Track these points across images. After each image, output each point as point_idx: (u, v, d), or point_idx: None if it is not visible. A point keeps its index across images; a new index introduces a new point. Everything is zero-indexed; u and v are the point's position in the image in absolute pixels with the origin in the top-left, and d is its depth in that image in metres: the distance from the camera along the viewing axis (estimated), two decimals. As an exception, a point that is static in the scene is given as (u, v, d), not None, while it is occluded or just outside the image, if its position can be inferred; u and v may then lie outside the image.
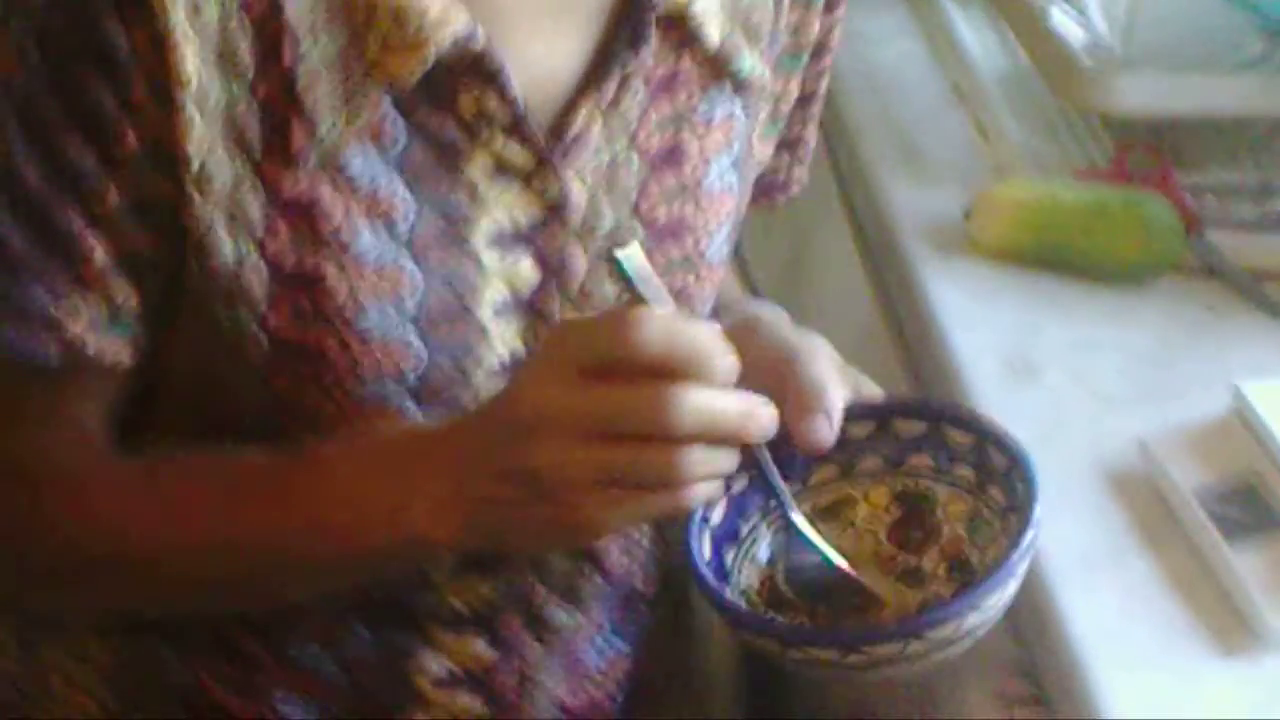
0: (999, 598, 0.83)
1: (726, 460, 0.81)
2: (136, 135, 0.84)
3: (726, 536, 0.91)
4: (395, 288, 0.88)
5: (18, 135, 0.85)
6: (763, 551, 0.92)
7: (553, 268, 0.92)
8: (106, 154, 0.85)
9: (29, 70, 0.84)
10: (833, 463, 0.93)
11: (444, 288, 0.89)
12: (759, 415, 0.81)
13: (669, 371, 0.78)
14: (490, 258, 0.90)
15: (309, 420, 0.89)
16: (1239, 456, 1.04)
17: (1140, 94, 1.31)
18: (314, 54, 0.84)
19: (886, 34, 1.50)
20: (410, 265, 0.88)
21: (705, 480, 0.80)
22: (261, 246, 0.86)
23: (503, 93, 0.87)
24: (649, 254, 0.92)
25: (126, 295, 0.88)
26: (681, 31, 0.93)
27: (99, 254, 0.86)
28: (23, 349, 0.87)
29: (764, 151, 1.04)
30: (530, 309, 0.92)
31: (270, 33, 0.84)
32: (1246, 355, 1.17)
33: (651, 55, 0.92)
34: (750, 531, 0.92)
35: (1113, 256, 1.24)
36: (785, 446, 0.88)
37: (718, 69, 0.95)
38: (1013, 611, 0.84)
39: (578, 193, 0.91)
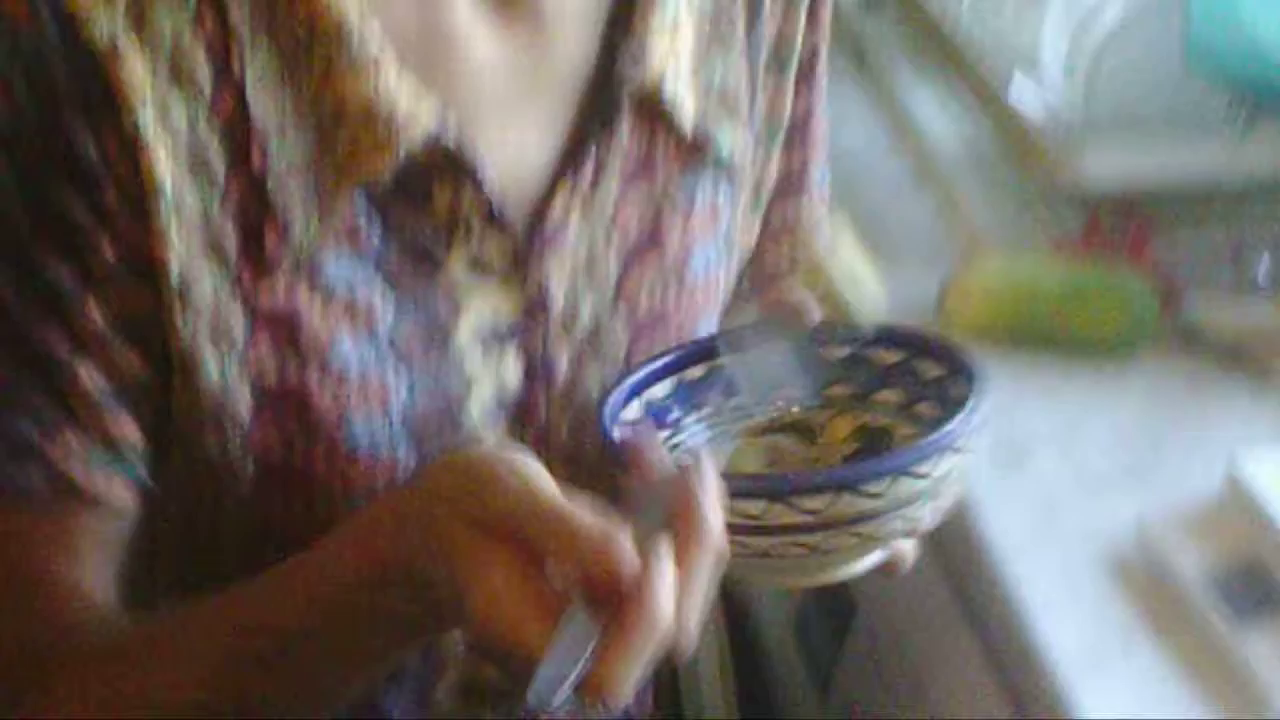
0: (882, 484, 0.78)
1: None
2: (113, 246, 0.82)
3: (657, 411, 0.89)
4: (381, 396, 0.86)
5: None
6: (686, 444, 0.90)
7: (536, 365, 0.90)
8: (84, 268, 0.82)
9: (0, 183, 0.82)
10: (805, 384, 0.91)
11: (430, 393, 0.87)
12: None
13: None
14: (474, 358, 0.88)
15: (295, 540, 0.86)
16: (1239, 533, 1.03)
17: (1106, 165, 1.30)
18: (283, 155, 0.82)
19: (846, 117, 1.49)
20: (394, 371, 0.86)
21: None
22: (244, 361, 0.84)
23: (478, 187, 0.85)
24: (633, 344, 0.91)
25: (122, 427, 0.84)
26: (656, 115, 0.91)
27: (87, 379, 0.83)
28: (13, 483, 0.84)
29: (748, 235, 1.01)
30: (517, 409, 0.90)
31: (239, 134, 0.82)
32: (1235, 423, 1.16)
33: (626, 136, 0.90)
34: (681, 421, 0.90)
35: (1092, 335, 1.23)
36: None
37: (697, 152, 0.93)
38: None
39: (556, 285, 0.89)
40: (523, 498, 0.69)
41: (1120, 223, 1.31)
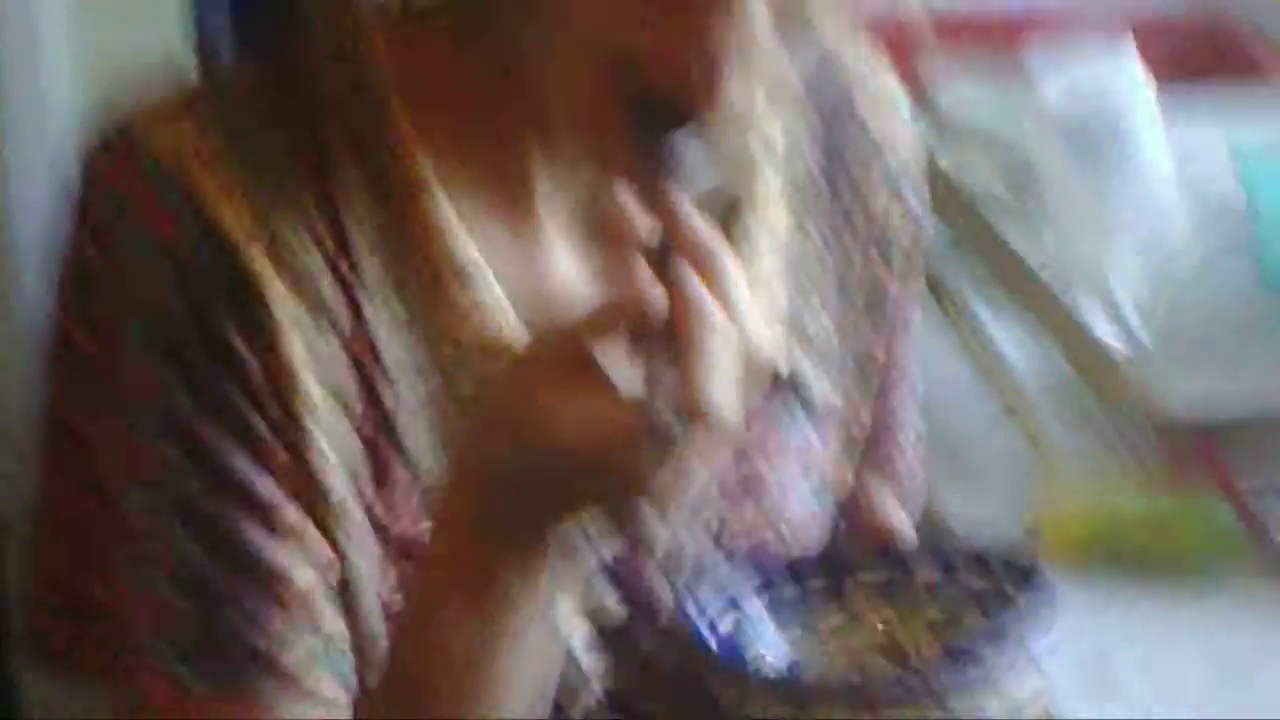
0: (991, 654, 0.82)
1: None
2: (287, 456, 0.84)
3: (750, 625, 0.91)
4: None
5: (176, 453, 0.84)
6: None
7: (639, 603, 0.92)
8: (269, 469, 0.84)
9: (172, 395, 0.84)
10: (891, 606, 0.92)
11: None
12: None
13: None
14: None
15: None
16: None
17: (1185, 394, 1.33)
18: (411, 397, 0.86)
19: (931, 352, 1.53)
20: None
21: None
22: (379, 594, 0.86)
23: None
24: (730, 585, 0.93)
25: (329, 621, 0.85)
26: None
27: (296, 571, 0.84)
28: (230, 676, 0.84)
29: (841, 477, 1.04)
30: (619, 642, 0.91)
31: (369, 375, 0.85)
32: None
33: None
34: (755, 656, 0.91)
35: (1178, 559, 1.25)
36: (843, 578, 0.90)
37: (788, 393, 0.96)
38: None
39: (660, 527, 0.92)
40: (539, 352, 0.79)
41: (1202, 449, 1.34)
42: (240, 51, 1.09)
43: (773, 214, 0.95)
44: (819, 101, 0.98)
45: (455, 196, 0.87)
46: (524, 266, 0.89)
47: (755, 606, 0.92)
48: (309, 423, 0.84)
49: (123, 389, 0.85)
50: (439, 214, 0.86)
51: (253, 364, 0.83)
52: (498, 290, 0.87)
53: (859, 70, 1.01)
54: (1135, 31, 1.58)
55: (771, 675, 0.87)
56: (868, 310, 1.01)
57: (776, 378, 0.95)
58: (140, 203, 0.83)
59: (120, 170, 0.84)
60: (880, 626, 0.92)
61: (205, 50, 1.77)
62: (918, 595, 0.92)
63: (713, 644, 0.88)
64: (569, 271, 0.91)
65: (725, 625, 0.90)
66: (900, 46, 1.92)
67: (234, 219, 0.82)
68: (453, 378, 0.87)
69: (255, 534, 0.84)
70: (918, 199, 1.02)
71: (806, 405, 0.97)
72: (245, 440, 0.84)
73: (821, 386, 0.97)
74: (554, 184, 0.89)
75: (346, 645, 0.86)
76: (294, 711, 0.85)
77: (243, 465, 0.84)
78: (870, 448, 1.05)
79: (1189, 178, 1.45)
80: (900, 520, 0.93)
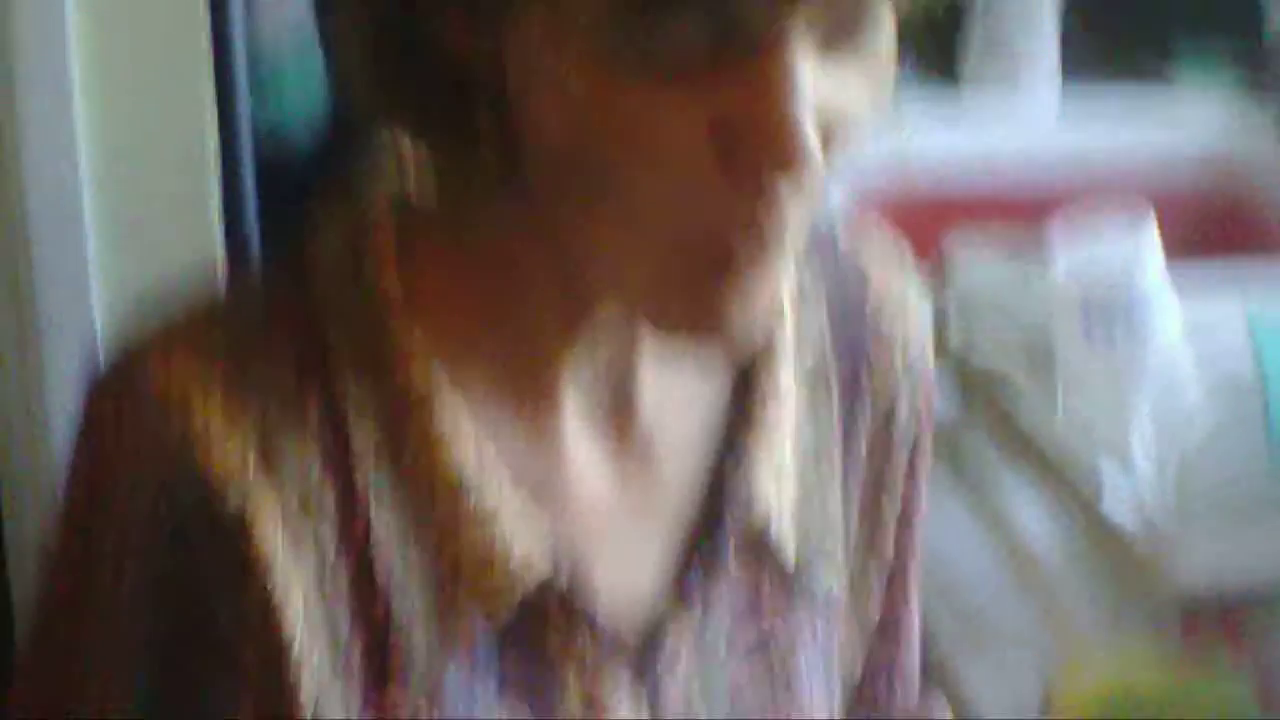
0: None
1: None
2: (251, 699, 0.86)
3: None
4: None
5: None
6: None
7: None
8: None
9: (139, 654, 0.86)
10: None
11: None
12: None
13: None
14: None
15: None
16: None
17: (1199, 566, 1.34)
18: (405, 607, 0.87)
19: (946, 522, 1.55)
20: None
21: None
22: None
23: (591, 628, 0.89)
24: None
25: None
26: (760, 552, 0.94)
27: None
28: None
29: (849, 669, 1.04)
30: None
31: (364, 591, 0.86)
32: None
33: (734, 573, 0.93)
34: None
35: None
36: None
37: (798, 588, 0.96)
38: None
39: (672, 715, 0.92)
40: None
41: (1217, 621, 1.34)
42: (266, 251, 1.11)
43: (784, 409, 0.95)
44: (830, 296, 1.00)
45: (467, 401, 0.88)
46: (534, 459, 0.90)
47: None
48: (285, 659, 0.85)
49: (109, 620, 0.87)
50: (437, 425, 0.87)
51: (226, 614, 0.85)
52: (498, 494, 0.87)
53: (873, 268, 1.03)
54: (1155, 206, 1.60)
55: None
56: (875, 504, 1.01)
57: (784, 571, 0.95)
58: (128, 451, 0.85)
59: (118, 407, 0.86)
60: None
61: (234, 252, 1.83)
62: None
63: None
64: (585, 466, 0.91)
65: None
66: (919, 223, 1.98)
67: (227, 457, 0.84)
68: (449, 587, 0.87)
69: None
70: (924, 394, 1.02)
71: (813, 596, 0.97)
72: (206, 704, 0.86)
73: (827, 581, 0.98)
74: (577, 378, 0.90)
75: None
76: None
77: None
78: (876, 643, 1.06)
79: (1203, 351, 1.47)
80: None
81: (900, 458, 1.02)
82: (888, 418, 1.01)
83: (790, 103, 0.75)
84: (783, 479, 0.95)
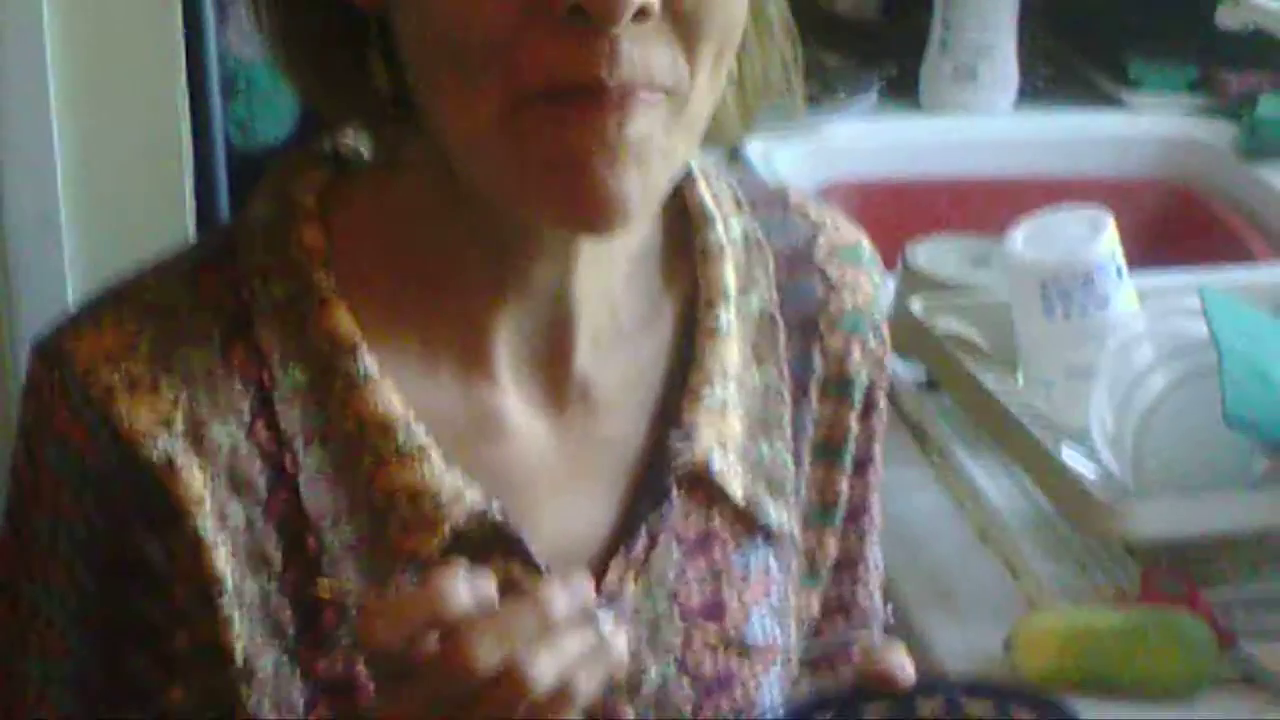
0: None
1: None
2: (187, 636, 0.90)
3: None
4: None
5: (81, 644, 0.91)
6: None
7: None
8: (163, 658, 0.90)
9: (78, 585, 0.90)
10: None
11: None
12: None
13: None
14: None
15: None
16: None
17: (1157, 520, 1.37)
18: (337, 540, 0.90)
19: (910, 486, 1.57)
20: None
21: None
22: None
23: (526, 561, 0.91)
24: (698, 705, 0.95)
25: None
26: (707, 488, 0.97)
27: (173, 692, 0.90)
28: None
29: (804, 603, 1.06)
30: None
31: (295, 526, 0.89)
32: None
33: (678, 513, 0.96)
34: None
35: (1154, 677, 1.28)
36: (850, 713, 0.91)
37: (748, 523, 0.99)
38: None
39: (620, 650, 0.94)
40: None
41: (1174, 573, 1.37)
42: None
43: (725, 346, 0.98)
44: (778, 244, 1.03)
45: (395, 349, 0.91)
46: (467, 410, 0.92)
47: None
48: (216, 597, 0.89)
49: (36, 575, 0.92)
50: (362, 369, 0.90)
51: (156, 555, 0.89)
52: (426, 435, 0.90)
53: (820, 218, 1.06)
54: (1110, 203, 1.64)
55: None
56: (827, 444, 1.04)
57: (734, 505, 0.98)
58: (57, 411, 0.89)
59: (45, 378, 0.90)
60: None
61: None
62: None
63: None
64: (521, 417, 0.94)
65: None
66: (877, 207, 2.02)
67: (141, 417, 0.88)
68: (381, 521, 0.90)
69: (148, 667, 0.91)
70: (878, 340, 1.05)
71: (764, 534, 1.00)
72: (144, 637, 0.90)
73: (779, 514, 1.00)
74: (511, 332, 0.93)
75: None
76: None
77: (138, 661, 0.91)
78: (833, 584, 1.09)
79: (1157, 314, 1.50)
80: (899, 659, 0.95)
81: (854, 401, 1.05)
82: (840, 360, 1.04)
83: None
84: (727, 415, 0.97)
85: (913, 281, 1.70)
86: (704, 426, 0.96)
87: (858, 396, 1.05)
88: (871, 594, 1.12)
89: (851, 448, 1.06)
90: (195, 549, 0.88)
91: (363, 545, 0.90)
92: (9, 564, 0.93)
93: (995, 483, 1.54)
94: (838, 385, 1.04)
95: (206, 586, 0.88)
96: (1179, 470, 1.41)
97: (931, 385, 1.66)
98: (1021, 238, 1.59)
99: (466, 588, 0.80)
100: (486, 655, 0.78)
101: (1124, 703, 1.28)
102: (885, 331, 1.07)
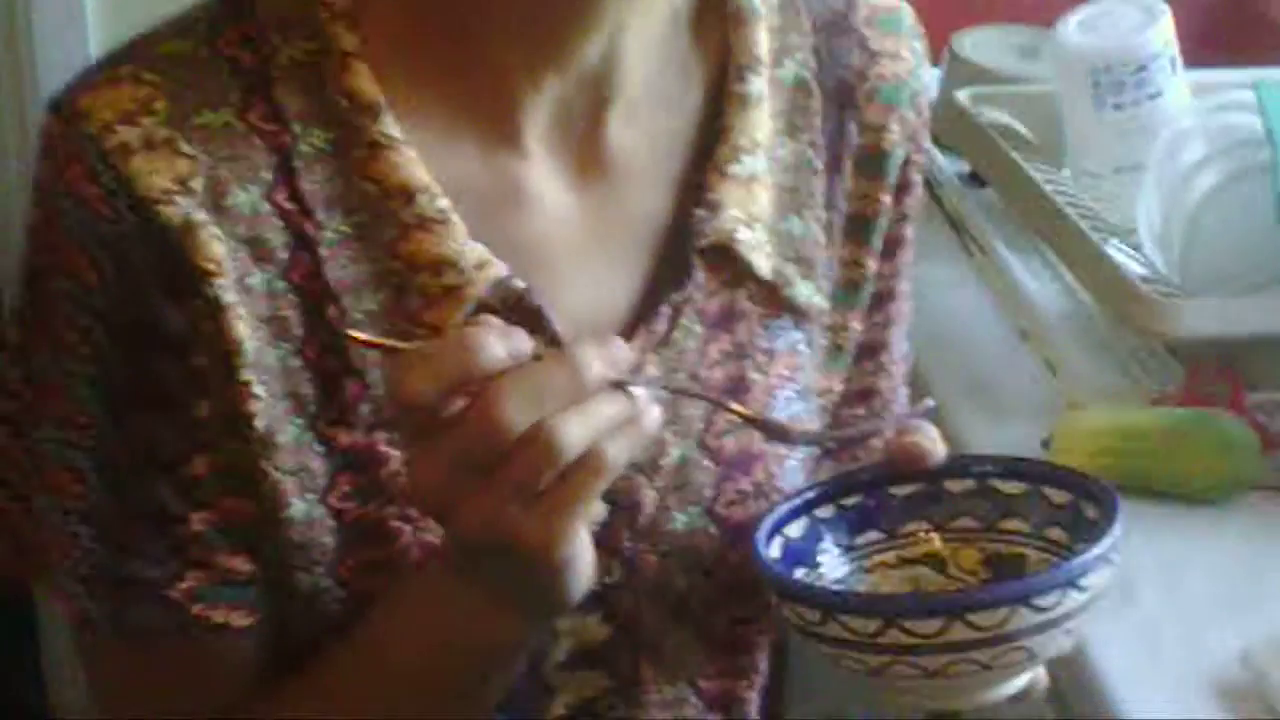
0: (1053, 598, 0.81)
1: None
2: (208, 404, 0.87)
3: (798, 554, 0.92)
4: None
5: (101, 412, 0.88)
6: (830, 579, 0.92)
7: (619, 502, 0.92)
8: (184, 426, 0.88)
9: (98, 351, 0.88)
10: (925, 518, 0.93)
11: None
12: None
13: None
14: None
15: None
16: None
17: (1203, 319, 1.34)
18: (359, 308, 0.87)
19: (949, 283, 1.55)
20: None
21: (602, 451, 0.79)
22: (327, 500, 0.89)
23: (546, 334, 0.89)
24: (719, 485, 0.94)
25: (235, 562, 0.90)
26: (733, 264, 0.94)
27: (199, 525, 0.89)
28: (140, 625, 0.90)
29: (828, 384, 1.03)
30: (600, 544, 0.87)
31: (316, 293, 0.87)
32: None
33: (702, 289, 0.93)
34: (823, 557, 0.92)
35: (1194, 477, 1.27)
36: (879, 492, 0.91)
37: (775, 299, 0.96)
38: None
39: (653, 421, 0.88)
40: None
41: (1218, 375, 1.35)
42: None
43: (756, 114, 0.95)
44: (815, 7, 0.98)
45: (420, 114, 0.88)
46: (489, 177, 0.90)
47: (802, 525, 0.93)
48: (236, 362, 0.86)
49: (56, 343, 0.89)
50: (385, 130, 0.87)
51: (175, 320, 0.86)
52: (448, 201, 0.88)
53: None
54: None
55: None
56: (858, 221, 1.01)
57: (761, 282, 0.96)
58: (72, 169, 0.86)
59: (60, 136, 0.87)
60: (923, 537, 0.94)
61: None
62: (955, 505, 0.94)
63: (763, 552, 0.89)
64: (543, 185, 0.91)
65: (773, 550, 0.91)
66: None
67: (159, 177, 0.85)
68: (403, 289, 0.88)
69: (168, 496, 0.89)
70: (916, 113, 1.01)
71: (791, 308, 0.98)
72: (164, 404, 0.88)
73: (807, 290, 0.98)
74: (542, 111, 0.90)
75: (253, 576, 0.90)
76: (206, 647, 0.91)
77: (159, 430, 0.88)
78: (856, 370, 1.06)
79: (1209, 108, 1.46)
80: (930, 435, 0.93)
81: (888, 177, 1.01)
82: (877, 133, 1.00)
83: None
84: (754, 189, 0.95)
85: (958, 71, 1.66)
86: (730, 201, 0.93)
87: (893, 172, 1.01)
88: (895, 386, 1.10)
89: (883, 225, 1.02)
90: (215, 315, 0.86)
91: (384, 316, 0.88)
92: (27, 331, 0.91)
93: (1037, 280, 1.51)
94: (872, 159, 1.00)
95: (227, 353, 0.86)
96: (1227, 270, 1.38)
97: (974, 179, 1.63)
98: (1073, 25, 1.54)
99: (502, 342, 0.77)
100: (516, 413, 0.76)
101: (1163, 504, 1.27)
102: (924, 105, 1.03)
